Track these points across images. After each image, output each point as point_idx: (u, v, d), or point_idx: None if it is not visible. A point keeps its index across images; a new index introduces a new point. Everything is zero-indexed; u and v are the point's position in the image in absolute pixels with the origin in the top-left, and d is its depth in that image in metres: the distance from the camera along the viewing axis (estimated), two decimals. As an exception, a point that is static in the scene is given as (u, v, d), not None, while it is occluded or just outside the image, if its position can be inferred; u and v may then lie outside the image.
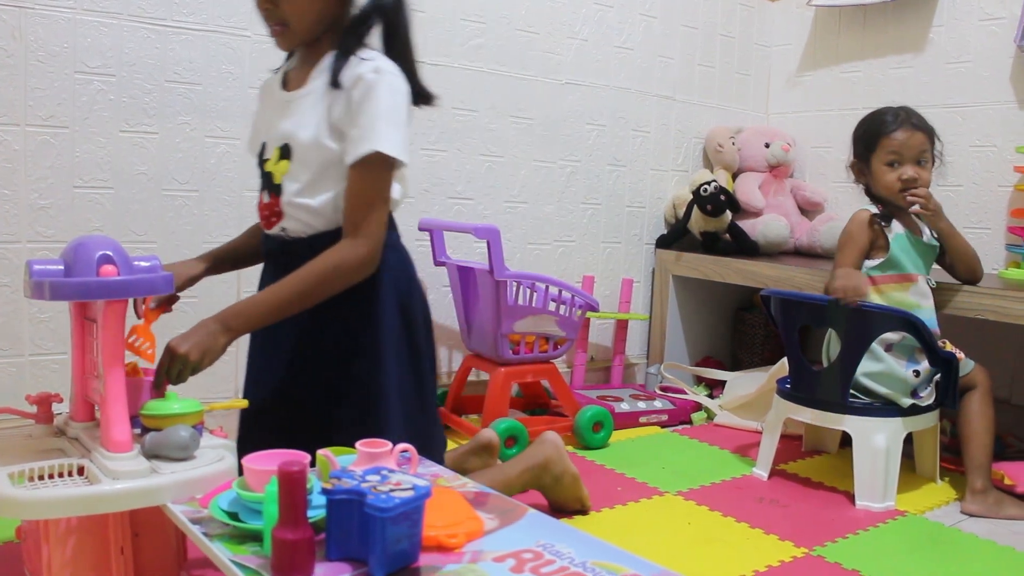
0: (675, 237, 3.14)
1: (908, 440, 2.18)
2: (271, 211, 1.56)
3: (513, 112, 2.79)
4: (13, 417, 1.46)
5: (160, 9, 2.16)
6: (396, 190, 1.55)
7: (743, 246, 3.04)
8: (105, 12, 2.09)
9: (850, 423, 2.15)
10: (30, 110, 2.02)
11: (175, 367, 1.35)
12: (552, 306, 2.53)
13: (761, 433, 2.38)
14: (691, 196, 3.06)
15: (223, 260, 1.73)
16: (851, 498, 2.13)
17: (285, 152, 1.53)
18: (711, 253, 3.01)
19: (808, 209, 3.29)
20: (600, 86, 3.00)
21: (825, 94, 3.31)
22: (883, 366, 2.14)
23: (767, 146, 3.22)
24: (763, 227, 3.07)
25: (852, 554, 1.82)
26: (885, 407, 2.14)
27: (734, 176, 3.28)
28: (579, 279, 2.98)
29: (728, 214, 3.03)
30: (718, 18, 3.33)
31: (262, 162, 1.59)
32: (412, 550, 0.99)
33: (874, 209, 2.24)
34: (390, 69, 1.47)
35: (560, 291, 2.55)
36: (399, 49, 1.55)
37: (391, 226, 1.60)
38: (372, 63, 1.46)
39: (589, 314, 2.71)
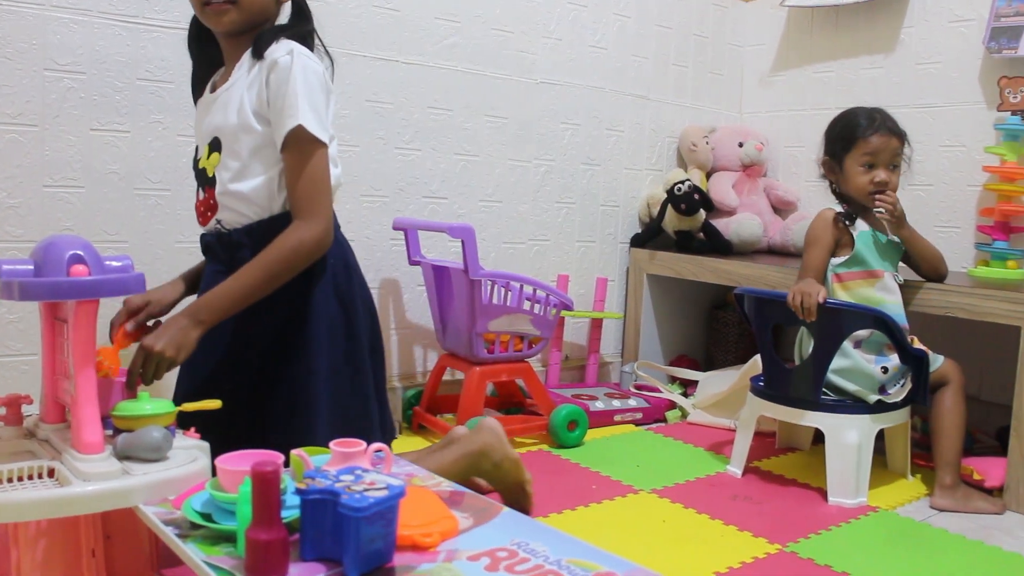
0: (649, 236, 3.15)
1: (880, 436, 2.20)
2: (206, 206, 1.61)
3: (487, 111, 2.79)
4: (-18, 419, 1.44)
5: (131, 6, 2.14)
6: (332, 175, 1.58)
7: (717, 245, 3.06)
8: (75, 8, 2.06)
9: (822, 420, 2.17)
10: (-2, 108, 2.00)
11: (150, 365, 1.35)
12: (527, 305, 2.53)
13: (735, 431, 2.39)
14: (665, 195, 3.07)
15: (197, 279, 1.73)
16: (824, 494, 2.15)
17: (215, 145, 1.58)
18: (685, 252, 3.03)
19: (781, 208, 3.32)
20: (574, 85, 3.00)
21: (798, 94, 3.33)
22: (850, 362, 2.17)
23: (740, 145, 3.24)
24: (737, 226, 3.09)
25: (825, 550, 1.84)
26: (857, 404, 2.16)
27: (708, 175, 3.30)
28: (554, 278, 2.98)
29: (702, 213, 3.05)
30: (692, 18, 3.34)
31: (195, 161, 1.65)
32: (387, 550, 0.99)
33: (838, 208, 2.27)
34: (304, 51, 1.53)
35: (535, 290, 2.56)
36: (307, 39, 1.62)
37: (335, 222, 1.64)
38: (286, 46, 1.52)
39: (564, 313, 2.71)
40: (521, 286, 2.51)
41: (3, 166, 2.02)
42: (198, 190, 1.65)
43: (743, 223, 3.09)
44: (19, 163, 2.03)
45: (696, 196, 3.00)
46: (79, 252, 1.23)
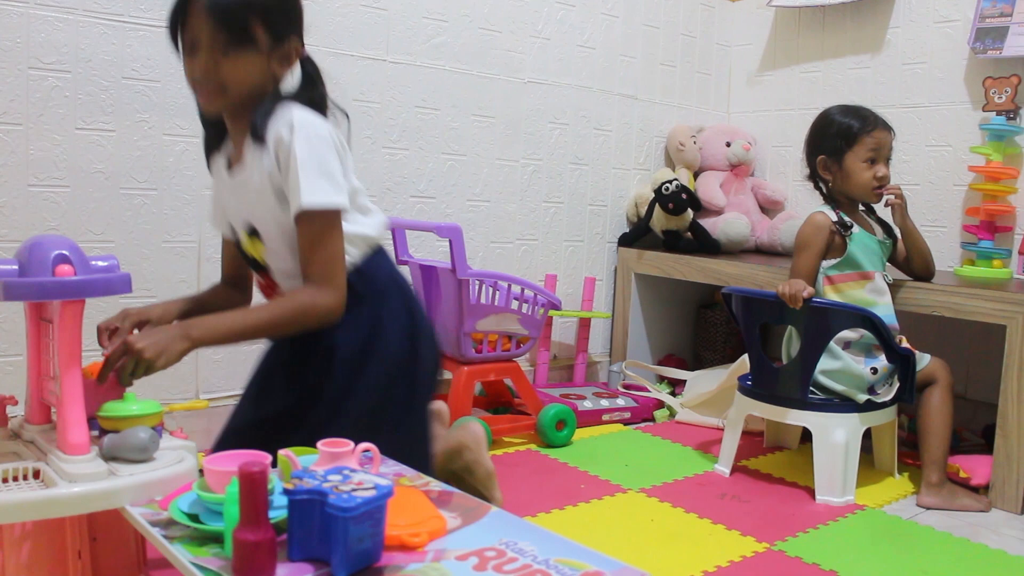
0: (637, 235, 3.15)
1: (867, 435, 2.21)
2: (268, 287, 1.60)
3: (475, 110, 2.79)
4: (-34, 420, 1.43)
5: (116, 4, 2.13)
6: (370, 226, 1.56)
7: (704, 244, 3.06)
8: (60, 7, 2.05)
9: (810, 419, 2.17)
10: (-17, 107, 1.99)
11: (129, 362, 1.29)
12: (515, 304, 2.53)
13: (723, 430, 2.40)
14: (653, 194, 3.07)
15: (198, 308, 1.65)
16: (811, 493, 2.16)
17: (253, 232, 1.54)
18: (673, 251, 3.03)
19: (769, 207, 3.33)
20: (562, 85, 3.01)
21: (785, 94, 3.34)
22: (841, 363, 2.17)
23: (728, 145, 3.25)
24: (724, 225, 3.10)
25: (813, 548, 1.84)
26: (844, 403, 2.17)
27: (695, 175, 3.31)
28: (542, 278, 2.98)
29: (690, 212, 3.05)
30: (679, 18, 3.35)
31: (237, 244, 1.61)
32: (375, 550, 0.98)
33: (828, 211, 2.26)
34: (304, 118, 1.44)
35: (523, 289, 2.56)
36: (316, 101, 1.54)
37: (387, 262, 1.61)
38: (286, 117, 1.44)
39: (552, 312, 2.71)
40: (509, 286, 2.51)
41: (-13, 165, 2.01)
42: (256, 275, 1.63)
43: (731, 222, 3.10)
44: (3, 162, 2.02)
45: (684, 195, 3.00)
46: (64, 252, 1.22)
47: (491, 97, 2.83)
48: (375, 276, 1.56)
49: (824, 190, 2.34)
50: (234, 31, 1.42)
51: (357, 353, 1.53)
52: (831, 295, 2.24)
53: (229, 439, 1.61)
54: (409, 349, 1.58)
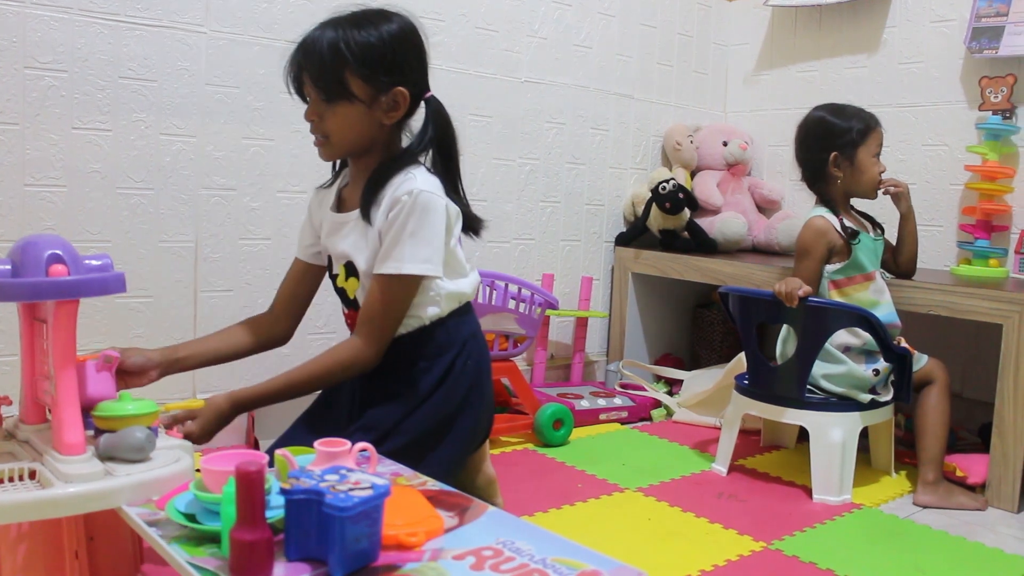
0: (634, 235, 3.15)
1: (864, 434, 2.21)
2: (355, 322, 1.63)
3: (472, 110, 2.79)
4: (-38, 420, 1.43)
5: (113, 4, 2.12)
6: (464, 284, 1.65)
7: (701, 244, 3.06)
8: (56, 6, 2.05)
9: (807, 418, 2.17)
10: (-22, 107, 1.98)
11: (199, 401, 1.40)
12: (512, 304, 2.53)
13: (720, 429, 2.40)
14: (650, 194, 3.07)
15: (193, 357, 1.67)
16: (809, 492, 2.16)
17: (351, 270, 1.60)
18: (670, 251, 3.03)
19: (765, 207, 3.33)
20: (559, 84, 3.00)
21: (782, 93, 3.34)
22: (844, 368, 2.17)
23: (725, 144, 3.25)
24: (721, 225, 3.10)
25: (810, 547, 1.84)
26: (841, 402, 2.17)
27: (692, 174, 3.31)
28: (539, 277, 2.98)
29: (686, 212, 3.05)
30: (676, 17, 3.35)
31: (332, 276, 1.68)
32: (372, 549, 0.98)
33: (828, 214, 2.25)
34: (425, 187, 1.52)
35: (520, 289, 2.55)
36: (448, 176, 1.62)
37: (472, 320, 1.70)
38: (409, 184, 1.51)
39: (549, 312, 2.71)
40: (506, 285, 2.51)
41: (-17, 165, 2.00)
42: (343, 305, 1.69)
43: (728, 222, 3.10)
44: (0, 162, 2.02)
45: (681, 195, 3.00)
46: (58, 252, 1.22)
47: (488, 97, 2.82)
48: (459, 332, 1.65)
49: (823, 192, 2.32)
50: (331, 86, 1.51)
51: (420, 397, 1.61)
52: (836, 299, 2.23)
53: (288, 438, 1.71)
54: (461, 402, 1.64)
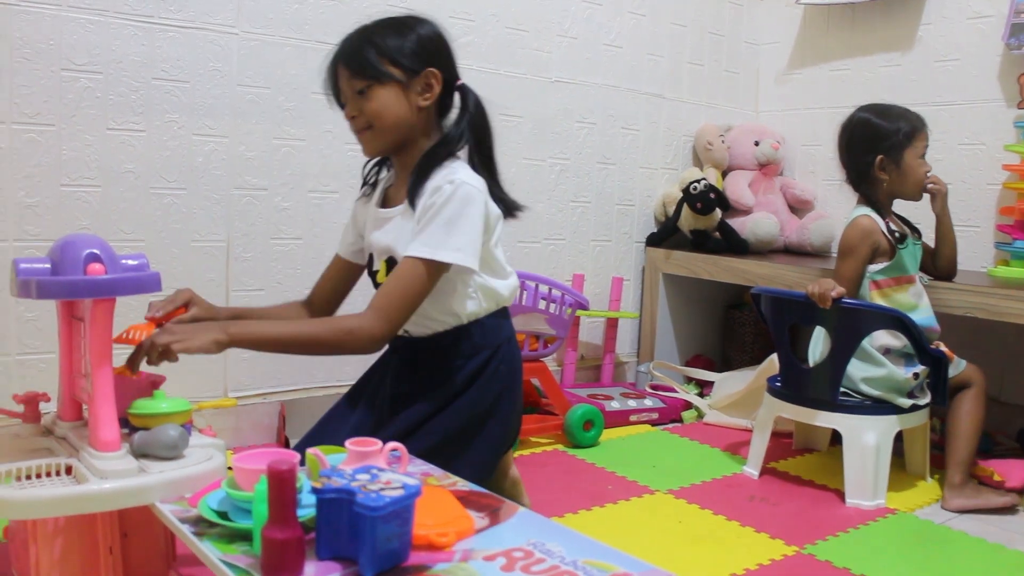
0: (665, 235, 3.14)
1: (898, 438, 2.18)
2: None
3: (502, 110, 2.78)
4: (0, 417, 1.45)
5: (147, 6, 2.14)
6: (503, 286, 1.65)
7: (733, 244, 3.04)
8: (91, 9, 2.07)
9: (840, 421, 2.15)
10: (16, 108, 2.01)
11: (155, 348, 1.30)
12: (542, 304, 2.53)
13: (751, 431, 2.38)
14: (681, 194, 3.06)
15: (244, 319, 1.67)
16: (841, 496, 2.13)
17: (392, 265, 1.60)
18: (701, 251, 3.02)
19: (798, 207, 3.30)
20: (589, 84, 3.00)
21: (814, 92, 3.31)
22: (884, 371, 2.14)
23: (757, 144, 3.23)
24: (753, 225, 3.08)
25: (842, 552, 1.82)
26: (876, 405, 2.14)
27: (724, 174, 3.28)
28: (569, 277, 2.97)
29: (718, 212, 3.03)
30: (707, 16, 3.33)
31: (372, 272, 1.69)
32: (402, 549, 0.98)
33: (873, 215, 2.22)
34: (468, 180, 1.53)
35: (550, 289, 2.55)
36: (484, 162, 1.64)
37: (508, 324, 1.70)
38: (452, 174, 1.53)
39: (579, 312, 2.71)
40: (536, 285, 2.51)
41: (21, 166, 2.03)
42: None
43: (759, 222, 3.07)
44: (37, 162, 2.04)
45: (712, 195, 2.98)
46: (95, 251, 1.23)
47: (518, 96, 2.82)
48: (495, 334, 1.65)
49: (868, 194, 2.29)
50: (367, 71, 1.55)
51: (451, 395, 1.60)
52: (878, 300, 2.20)
53: (318, 432, 1.70)
54: (492, 405, 1.64)
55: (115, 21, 2.11)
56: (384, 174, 1.74)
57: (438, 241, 1.50)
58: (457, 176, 1.53)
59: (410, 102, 1.57)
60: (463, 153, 1.63)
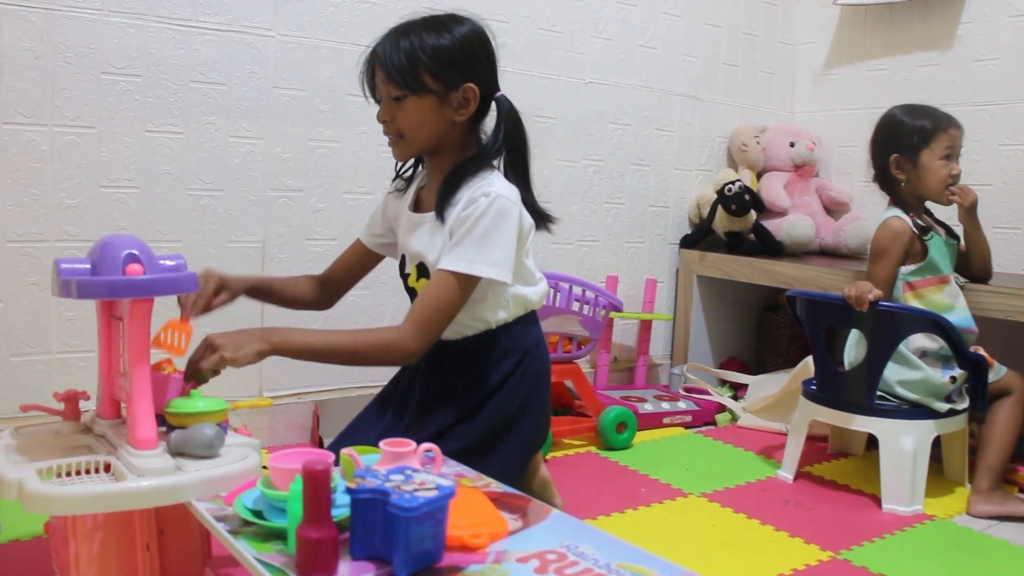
0: (699, 237, 3.12)
1: (936, 443, 2.15)
2: None
3: (536, 111, 2.78)
4: (41, 414, 1.47)
5: (185, 10, 2.17)
6: (532, 292, 1.64)
7: (768, 246, 3.02)
8: (131, 13, 2.10)
9: (876, 425, 2.13)
10: (57, 111, 2.04)
11: (208, 359, 1.35)
12: (576, 306, 2.52)
13: (786, 435, 2.36)
14: (715, 196, 3.04)
15: (263, 289, 1.74)
16: (878, 501, 2.11)
17: (423, 271, 1.61)
18: (735, 253, 2.99)
19: (834, 209, 3.26)
20: (623, 85, 2.99)
21: (851, 93, 3.28)
22: (921, 374, 2.11)
23: (792, 145, 3.20)
24: (788, 227, 3.05)
25: (879, 558, 1.80)
26: (913, 410, 2.11)
27: (759, 175, 3.26)
28: (603, 279, 2.97)
29: (753, 214, 3.01)
30: (742, 16, 3.31)
31: (404, 276, 1.68)
32: (436, 550, 0.98)
33: (903, 215, 2.20)
34: (504, 193, 1.52)
35: (584, 291, 2.55)
36: (518, 173, 1.63)
37: (536, 328, 1.69)
38: (487, 187, 1.52)
39: (613, 314, 2.70)
40: (570, 287, 2.50)
41: (62, 167, 2.06)
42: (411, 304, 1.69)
43: (795, 224, 3.05)
44: (77, 164, 2.08)
45: (747, 197, 2.96)
46: (134, 251, 1.25)
47: (552, 98, 2.82)
48: (523, 339, 1.65)
49: (892, 193, 2.27)
50: (405, 82, 1.52)
51: (480, 400, 1.60)
52: (912, 301, 2.18)
53: (350, 434, 1.72)
54: (519, 408, 1.64)
55: (154, 25, 2.13)
56: (419, 169, 1.74)
57: (473, 255, 1.49)
58: (493, 188, 1.52)
59: (445, 116, 1.56)
60: (498, 161, 1.62)
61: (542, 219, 1.66)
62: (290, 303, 1.78)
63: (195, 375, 1.38)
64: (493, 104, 1.63)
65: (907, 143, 2.21)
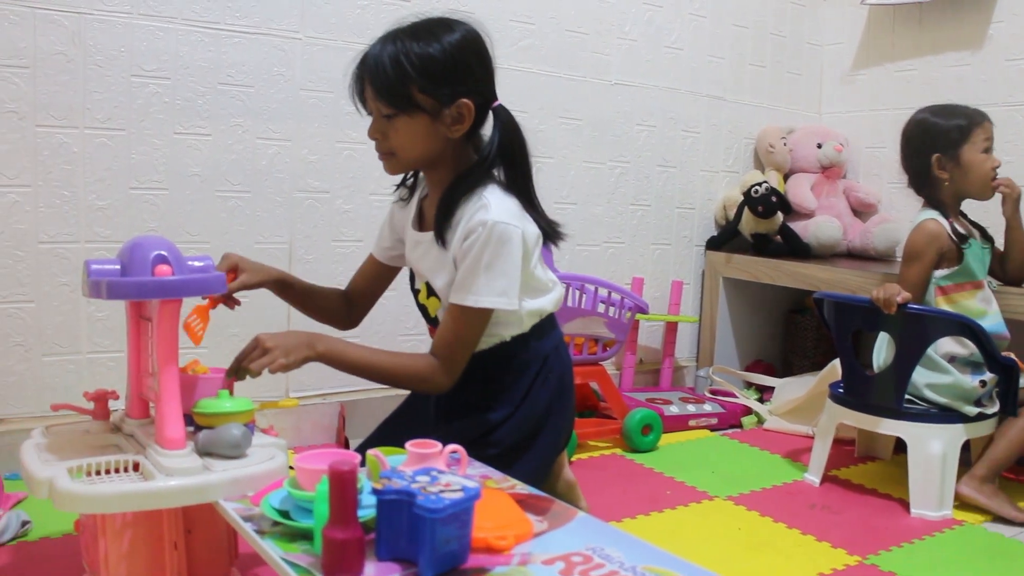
0: (725, 239, 3.11)
1: (965, 447, 2.13)
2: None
3: (562, 113, 2.78)
4: (71, 413, 1.48)
5: (213, 13, 2.19)
6: (547, 300, 1.61)
7: (794, 248, 3.00)
8: (160, 16, 2.12)
9: (905, 429, 2.11)
10: (88, 113, 2.06)
11: (257, 359, 1.37)
12: (601, 308, 2.52)
13: (812, 438, 2.34)
14: (742, 197, 3.03)
15: (293, 288, 1.70)
16: (906, 506, 2.09)
17: (431, 290, 1.59)
18: (762, 255, 2.98)
19: (861, 210, 3.24)
20: (649, 86, 2.98)
21: (879, 93, 3.25)
22: (950, 378, 2.09)
23: (819, 146, 3.18)
24: (815, 229, 3.03)
25: (907, 564, 1.78)
26: (942, 413, 2.09)
27: (785, 177, 3.24)
28: (628, 281, 2.96)
29: (779, 215, 2.99)
30: (769, 17, 3.29)
31: (415, 291, 1.67)
32: (461, 551, 0.99)
33: (939, 218, 2.18)
34: (501, 217, 1.46)
35: (609, 293, 2.54)
36: (520, 188, 1.57)
37: (553, 325, 1.67)
38: (484, 212, 1.47)
39: (638, 316, 2.69)
40: (596, 289, 2.50)
41: (93, 169, 2.09)
42: (424, 319, 1.69)
43: (822, 226, 3.02)
44: (107, 166, 2.10)
45: (773, 198, 2.94)
46: (163, 252, 1.26)
47: (578, 99, 2.82)
48: (540, 347, 1.62)
49: (932, 196, 2.23)
50: (395, 100, 1.47)
51: (502, 414, 1.59)
52: (944, 306, 2.15)
53: (375, 439, 1.70)
54: (542, 417, 1.62)
55: (182, 28, 2.15)
56: (420, 176, 1.68)
57: (479, 287, 1.46)
58: (489, 215, 1.46)
59: (438, 134, 1.50)
60: (498, 169, 1.57)
61: (548, 234, 1.60)
62: (316, 314, 1.75)
63: (239, 373, 1.39)
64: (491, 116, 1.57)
65: (946, 141, 2.18)
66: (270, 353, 1.38)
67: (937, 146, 2.19)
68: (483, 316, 1.51)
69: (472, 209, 1.49)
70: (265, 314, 2.29)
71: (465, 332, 1.51)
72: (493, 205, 1.48)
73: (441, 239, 1.51)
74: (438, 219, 1.52)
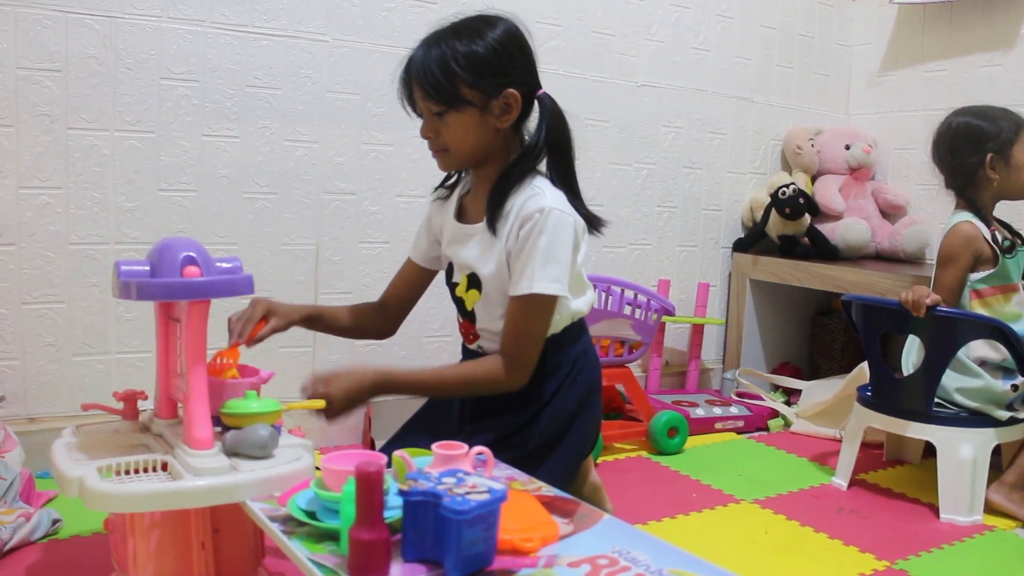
0: (752, 240, 3.09)
1: (996, 452, 2.10)
2: (468, 331, 1.65)
3: (589, 114, 2.78)
4: (101, 413, 1.50)
5: (241, 16, 2.20)
6: (582, 302, 1.62)
7: (822, 250, 2.98)
8: (189, 19, 2.14)
9: (934, 433, 2.08)
10: (118, 115, 2.09)
11: (319, 401, 1.43)
12: (627, 310, 2.51)
13: (840, 441, 2.32)
14: (769, 199, 3.01)
15: (323, 319, 1.71)
16: (935, 511, 2.06)
17: (473, 281, 1.59)
18: (789, 257, 2.96)
19: (890, 212, 3.20)
20: (676, 88, 2.97)
21: (908, 94, 3.22)
22: (981, 382, 2.07)
23: (847, 148, 3.15)
24: (843, 230, 3.01)
25: (937, 569, 1.76)
26: (972, 417, 2.07)
27: (813, 179, 3.22)
28: (655, 283, 2.95)
29: (807, 217, 2.97)
30: (797, 18, 3.26)
31: (452, 284, 1.66)
32: (487, 553, 0.99)
33: (976, 221, 2.15)
34: (556, 204, 1.49)
35: (635, 295, 2.53)
36: (564, 176, 1.59)
37: (583, 329, 1.67)
38: (538, 200, 1.49)
39: (665, 318, 2.68)
40: (622, 291, 2.49)
41: (122, 171, 2.11)
42: (458, 314, 1.68)
43: (850, 228, 3.00)
44: (137, 168, 2.12)
45: (801, 200, 2.93)
46: (192, 254, 1.27)
47: (605, 100, 2.81)
48: (571, 350, 1.63)
49: (973, 197, 2.19)
50: (442, 97, 1.50)
51: (530, 414, 1.59)
52: (979, 309, 2.13)
53: (400, 439, 1.71)
54: (570, 419, 1.62)
55: (211, 31, 2.17)
56: (462, 175, 1.70)
57: (534, 273, 1.47)
58: (545, 201, 1.49)
59: (488, 125, 1.53)
60: (544, 163, 1.59)
61: (591, 223, 1.62)
62: (350, 332, 1.75)
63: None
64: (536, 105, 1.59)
65: (1000, 141, 2.15)
66: (334, 405, 1.45)
67: (991, 146, 2.15)
68: (542, 304, 1.51)
69: (524, 196, 1.51)
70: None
71: (527, 324, 1.51)
72: (547, 194, 1.51)
73: (493, 227, 1.53)
74: (491, 207, 1.53)
